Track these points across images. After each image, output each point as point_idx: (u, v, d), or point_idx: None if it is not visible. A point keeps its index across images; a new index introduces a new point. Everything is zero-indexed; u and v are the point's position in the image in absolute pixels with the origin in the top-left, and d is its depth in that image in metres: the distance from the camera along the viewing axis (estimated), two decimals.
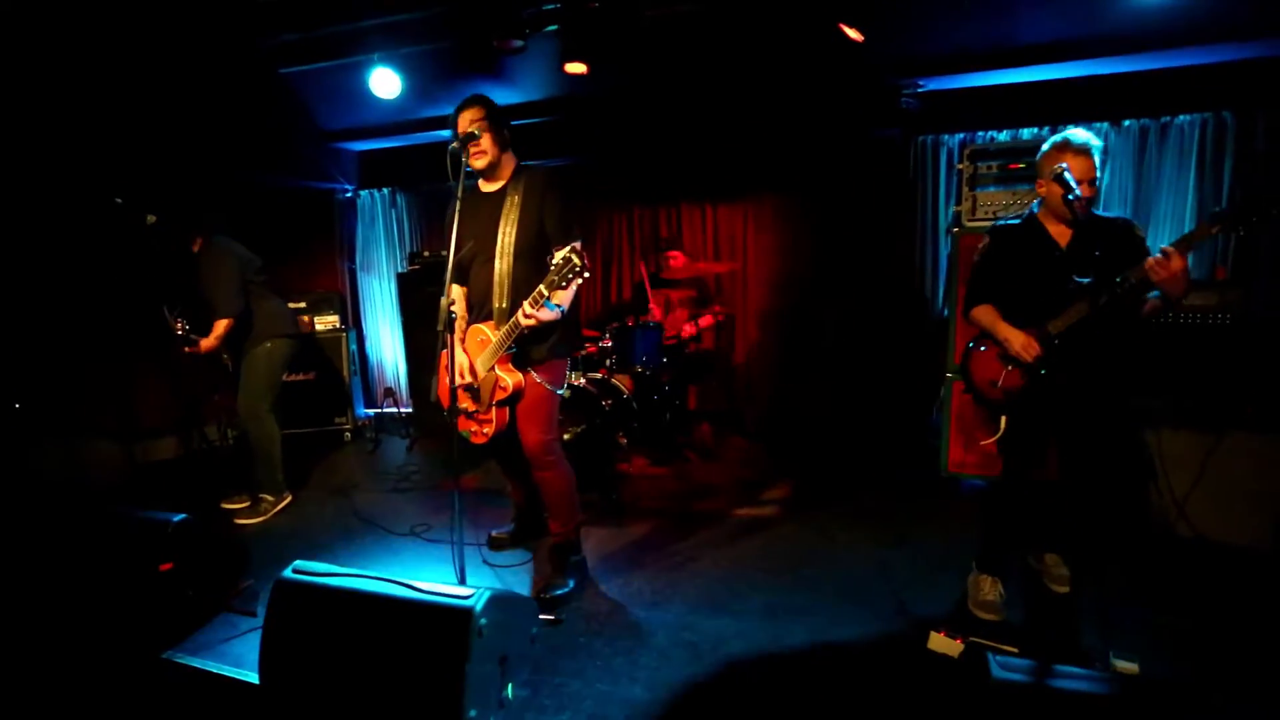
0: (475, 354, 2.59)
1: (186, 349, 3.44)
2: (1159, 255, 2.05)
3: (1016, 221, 2.46)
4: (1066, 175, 2.16)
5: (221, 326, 3.43)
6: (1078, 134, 2.27)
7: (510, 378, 2.52)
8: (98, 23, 3.56)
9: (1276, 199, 1.92)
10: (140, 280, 4.27)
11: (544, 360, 2.57)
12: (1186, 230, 3.86)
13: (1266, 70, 3.62)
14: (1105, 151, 4.04)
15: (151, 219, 3.37)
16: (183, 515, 2.43)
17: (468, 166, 2.44)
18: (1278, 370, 2.91)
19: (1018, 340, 2.32)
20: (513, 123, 2.61)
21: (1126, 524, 2.97)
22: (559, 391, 2.62)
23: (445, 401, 2.63)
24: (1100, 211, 2.32)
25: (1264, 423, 2.78)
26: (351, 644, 1.83)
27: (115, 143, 3.97)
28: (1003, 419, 2.51)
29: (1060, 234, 2.35)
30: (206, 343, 3.43)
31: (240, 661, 2.21)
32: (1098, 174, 2.26)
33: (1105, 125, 4.03)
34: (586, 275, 2.21)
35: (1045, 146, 2.33)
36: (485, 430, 2.63)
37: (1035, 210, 2.43)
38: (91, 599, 2.37)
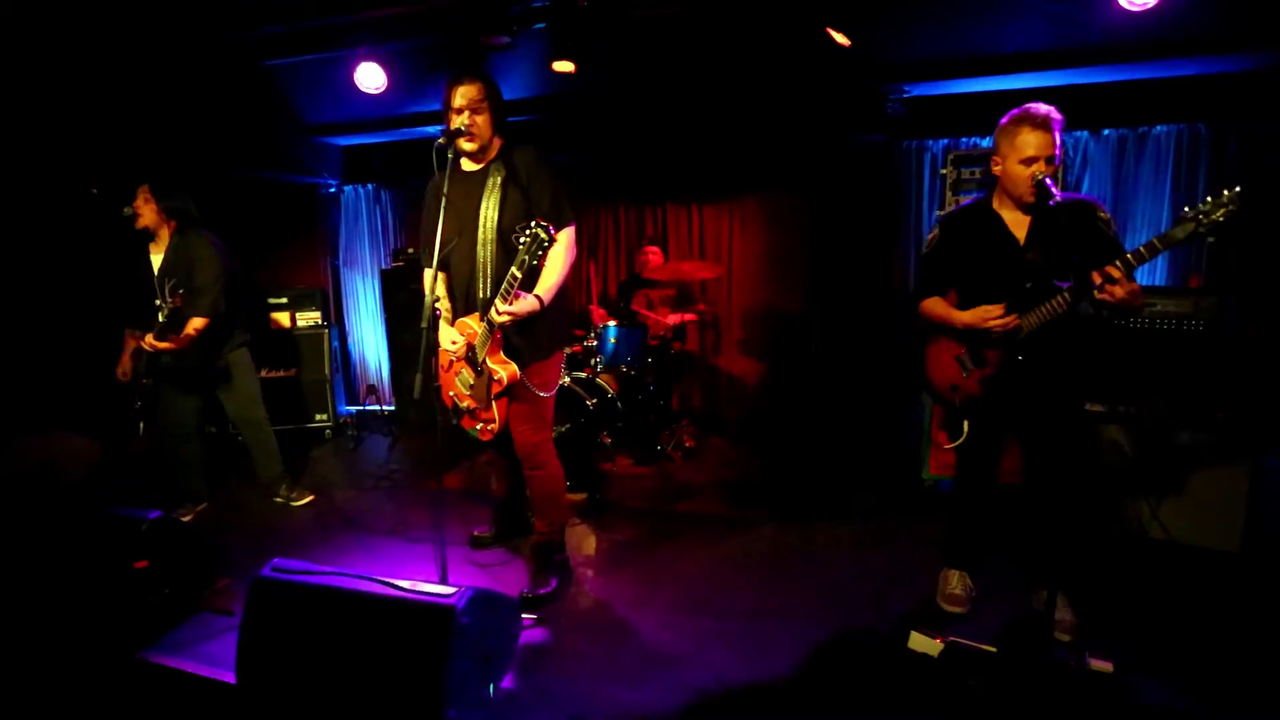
0: None
1: (162, 341, 3.08)
2: (1107, 279, 1.91)
3: (968, 205, 2.30)
4: (1048, 184, 2.03)
5: (199, 325, 3.17)
6: (1038, 106, 2.09)
7: (504, 370, 2.39)
8: (77, 11, 3.48)
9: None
10: (113, 271, 4.19)
11: (532, 362, 2.46)
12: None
13: (1239, 84, 3.70)
14: (1086, 157, 4.12)
15: (128, 210, 3.28)
16: (158, 512, 2.39)
17: (453, 163, 2.36)
18: (1248, 377, 2.98)
19: (987, 316, 2.15)
20: None
21: (1099, 526, 3.02)
22: (546, 394, 2.53)
23: (448, 402, 2.59)
24: (1064, 194, 2.07)
25: (1233, 428, 2.84)
26: (330, 643, 1.82)
27: (92, 133, 3.89)
28: (965, 424, 2.39)
29: (1017, 223, 2.19)
30: (179, 340, 3.13)
31: (216, 661, 2.17)
32: (1057, 151, 2.08)
33: (1085, 134, 4.10)
34: (559, 250, 2.16)
35: (1003, 120, 2.15)
36: (490, 427, 2.52)
37: (990, 194, 2.27)
38: (63, 598, 2.31)
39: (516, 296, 2.22)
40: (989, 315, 2.17)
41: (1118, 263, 1.92)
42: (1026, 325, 2.15)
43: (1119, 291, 1.90)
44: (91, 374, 3.99)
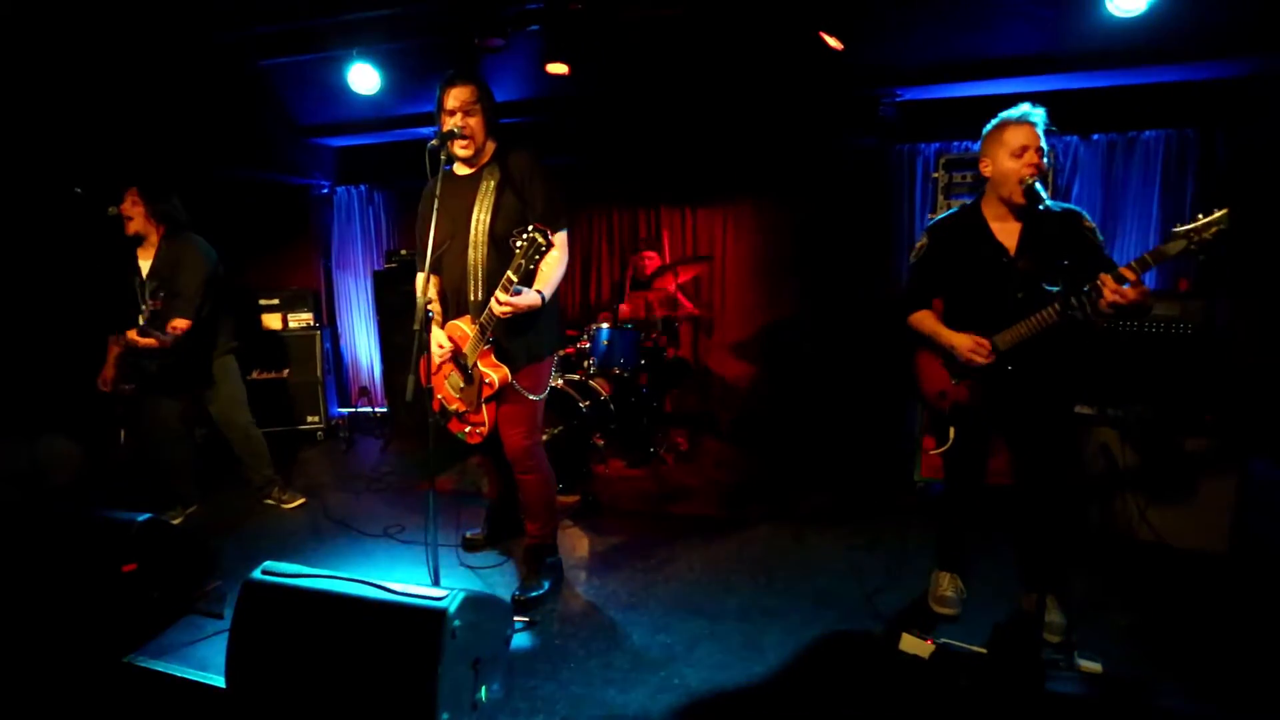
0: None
1: (145, 338, 3.01)
2: (1117, 284, 1.89)
3: (955, 211, 2.31)
4: (1039, 189, 2.05)
5: (182, 325, 3.14)
6: (1018, 107, 2.15)
7: (495, 373, 2.39)
8: (68, 9, 3.46)
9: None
10: (98, 274, 4.15)
11: (524, 364, 2.45)
12: (1151, 244, 4.02)
13: (1227, 90, 3.75)
14: (1076, 162, 4.15)
15: (113, 210, 3.25)
16: (148, 515, 2.37)
17: (447, 165, 2.33)
18: (1236, 380, 3.01)
19: (965, 344, 2.18)
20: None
21: (1088, 528, 3.04)
22: (537, 397, 2.52)
23: (436, 405, 2.57)
24: (1050, 204, 2.08)
25: (1221, 430, 2.87)
26: (321, 646, 1.81)
27: (81, 132, 3.86)
28: (951, 430, 2.37)
29: (1006, 231, 2.18)
30: (161, 339, 3.07)
31: (205, 665, 2.16)
32: (1043, 143, 2.11)
33: (1075, 139, 4.14)
34: (555, 252, 2.16)
35: (987, 128, 2.20)
36: (479, 430, 2.53)
37: (977, 200, 2.27)
38: (51, 601, 2.29)
39: (520, 293, 2.21)
40: (979, 352, 2.16)
41: (1133, 263, 1.93)
42: (1004, 342, 2.15)
43: (1131, 294, 1.90)
44: (77, 378, 3.95)
